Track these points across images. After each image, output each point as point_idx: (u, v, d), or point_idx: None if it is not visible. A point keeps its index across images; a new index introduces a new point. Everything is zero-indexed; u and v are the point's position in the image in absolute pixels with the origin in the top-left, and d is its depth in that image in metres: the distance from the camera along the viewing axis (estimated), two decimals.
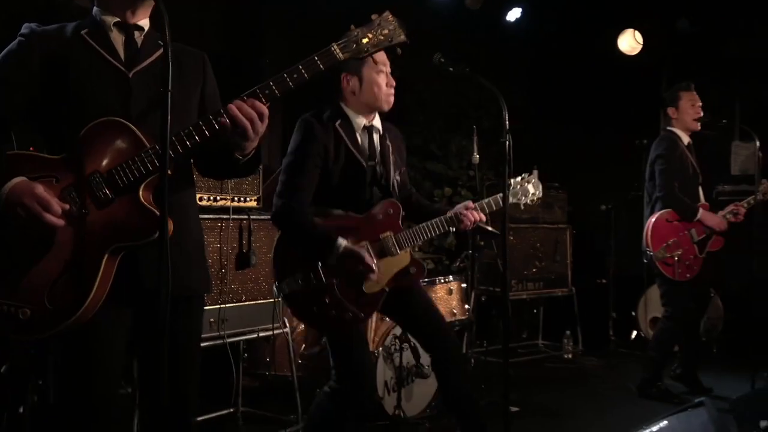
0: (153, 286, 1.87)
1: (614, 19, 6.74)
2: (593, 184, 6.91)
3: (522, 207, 3.21)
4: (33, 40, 2.00)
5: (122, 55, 2.06)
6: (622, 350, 6.35)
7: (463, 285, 4.81)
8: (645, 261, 4.70)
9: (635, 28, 6.74)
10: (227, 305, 3.65)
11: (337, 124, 2.89)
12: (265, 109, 1.94)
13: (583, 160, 7.11)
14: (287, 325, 3.97)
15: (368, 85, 2.93)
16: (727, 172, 6.83)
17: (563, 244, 6.42)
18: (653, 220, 4.66)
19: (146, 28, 2.11)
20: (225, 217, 3.64)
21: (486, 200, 3.06)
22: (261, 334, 3.80)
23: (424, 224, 2.97)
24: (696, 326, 4.90)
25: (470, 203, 3.02)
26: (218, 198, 3.62)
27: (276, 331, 3.82)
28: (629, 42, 6.82)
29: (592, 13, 6.58)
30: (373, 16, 2.02)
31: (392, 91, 2.99)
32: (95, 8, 2.10)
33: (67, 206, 1.89)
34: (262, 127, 1.95)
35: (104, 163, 1.94)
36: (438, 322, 3.07)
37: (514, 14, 6.78)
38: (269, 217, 3.94)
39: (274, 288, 2.87)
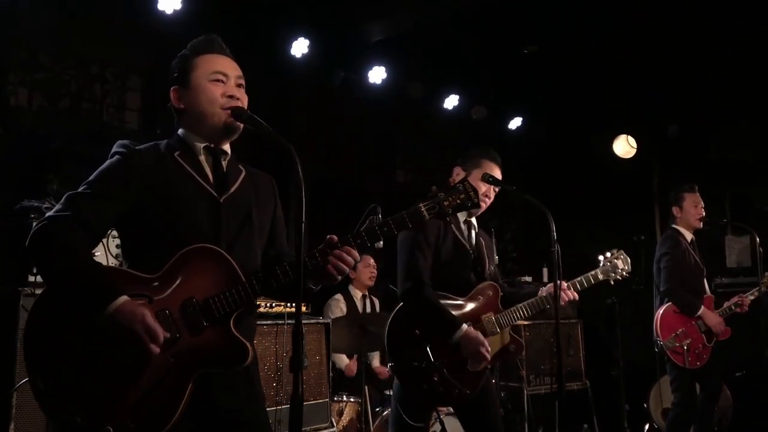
0: (229, 405, 2.07)
1: (609, 126, 7.26)
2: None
3: (612, 283, 3.47)
4: (131, 159, 2.10)
5: (211, 179, 2.17)
6: None
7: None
8: (656, 350, 4.89)
9: (629, 134, 7.25)
10: (283, 406, 3.81)
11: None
12: (357, 255, 2.14)
13: (585, 256, 7.44)
14: (334, 425, 4.13)
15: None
16: (723, 265, 7.18)
17: (575, 339, 6.64)
18: (661, 311, 4.87)
19: (229, 152, 2.26)
20: (281, 322, 3.86)
21: (579, 279, 3.36)
22: None
23: (521, 304, 3.25)
24: (710, 415, 4.99)
25: (564, 283, 3.28)
26: (273, 305, 3.85)
27: (327, 431, 3.96)
28: (623, 146, 7.33)
29: (587, 121, 7.11)
30: (451, 180, 2.33)
31: (486, 201, 3.32)
32: (181, 130, 2.23)
33: (168, 334, 1.95)
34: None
35: (201, 290, 2.01)
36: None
37: (515, 123, 7.31)
38: (318, 321, 4.21)
39: (388, 367, 3.11)
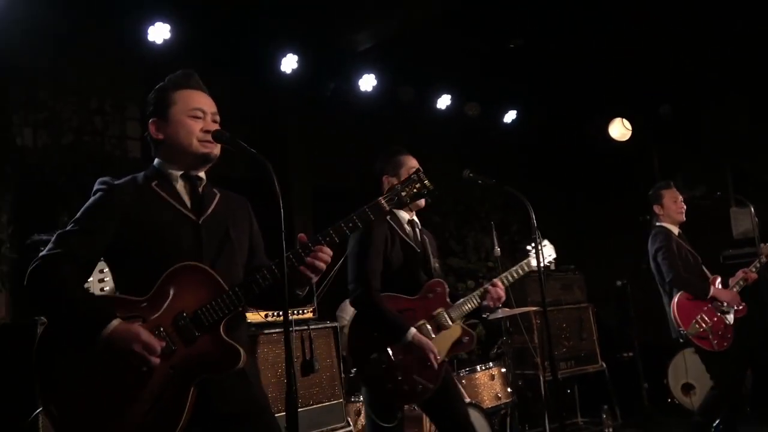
0: (229, 410, 2.21)
1: (602, 110, 7.34)
2: (605, 262, 7.31)
3: (542, 269, 3.60)
4: (112, 194, 2.26)
5: (189, 204, 2.33)
6: (659, 418, 6.52)
7: (503, 370, 5.13)
8: (681, 341, 4.90)
9: (622, 117, 7.33)
10: (299, 410, 3.95)
11: (389, 218, 3.39)
12: (329, 251, 2.30)
13: (591, 240, 7.56)
14: (351, 424, 4.27)
15: None
16: (730, 237, 7.22)
17: (587, 322, 6.73)
18: (675, 301, 4.87)
19: (205, 179, 2.42)
20: (290, 329, 4.00)
21: (504, 274, 3.55)
22: None
23: (467, 297, 3.41)
24: (739, 386, 5.03)
25: (496, 280, 3.47)
26: (281, 314, 4.00)
27: (343, 430, 4.10)
28: (619, 129, 7.40)
29: (581, 107, 7.20)
30: (404, 173, 2.46)
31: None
32: (157, 160, 2.39)
33: (164, 344, 2.10)
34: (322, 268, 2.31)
35: (190, 304, 2.17)
36: (469, 424, 3.36)
37: (509, 116, 7.42)
38: (326, 325, 4.34)
39: (353, 374, 3.22)
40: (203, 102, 2.39)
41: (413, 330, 3.18)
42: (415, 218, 3.52)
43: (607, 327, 7.07)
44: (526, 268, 3.61)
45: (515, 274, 3.58)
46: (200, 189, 2.39)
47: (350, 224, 2.34)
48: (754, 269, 4.96)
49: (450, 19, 5.73)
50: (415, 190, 2.45)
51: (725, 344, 4.75)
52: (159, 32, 4.97)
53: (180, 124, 2.34)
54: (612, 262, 7.30)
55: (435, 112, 6.83)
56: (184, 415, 2.08)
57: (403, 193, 2.44)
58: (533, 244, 3.66)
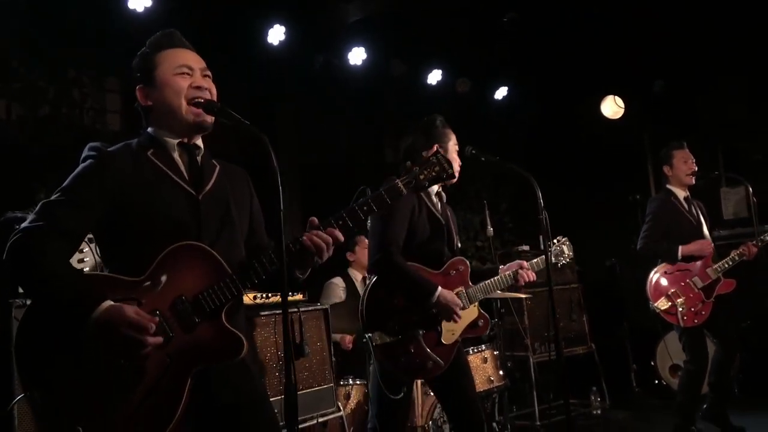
0: (229, 401, 2.06)
1: (595, 87, 7.22)
2: (595, 242, 7.22)
3: (558, 266, 3.62)
4: (105, 162, 2.05)
5: (187, 176, 2.15)
6: (648, 400, 6.49)
7: (495, 353, 5.02)
8: (653, 313, 4.86)
9: (616, 94, 7.20)
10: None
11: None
12: (340, 235, 2.13)
13: (582, 219, 7.44)
14: (341, 409, 4.14)
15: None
16: (720, 218, 7.17)
17: (577, 303, 6.65)
18: (651, 275, 4.87)
19: (203, 147, 2.23)
20: (279, 312, 3.85)
21: (534, 260, 3.46)
22: (320, 420, 3.96)
23: (489, 280, 3.31)
24: (727, 369, 4.91)
25: (524, 263, 3.40)
26: (270, 295, 3.84)
27: (334, 415, 3.97)
28: (611, 107, 7.29)
29: (573, 84, 7.06)
30: (424, 154, 2.34)
31: (458, 169, 3.28)
32: (151, 128, 2.19)
33: (156, 320, 1.92)
34: (330, 252, 2.15)
35: (189, 288, 2.00)
36: (477, 410, 3.26)
37: (500, 93, 7.26)
38: (317, 307, 4.20)
39: (366, 338, 3.12)
40: (189, 58, 2.20)
41: (441, 288, 3.09)
42: (443, 193, 3.41)
43: (598, 308, 6.99)
44: (552, 260, 3.47)
45: (540, 264, 3.45)
46: (199, 160, 2.21)
47: (365, 208, 2.18)
48: (758, 243, 4.80)
49: None
50: (434, 174, 2.29)
51: (696, 321, 4.67)
52: (140, 0, 4.73)
53: (166, 84, 2.15)
54: (603, 242, 7.22)
55: (426, 88, 6.66)
56: (180, 407, 1.93)
57: (421, 176, 2.28)
58: (556, 241, 3.63)
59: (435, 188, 3.32)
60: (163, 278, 1.99)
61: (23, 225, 1.99)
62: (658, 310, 4.75)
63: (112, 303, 1.89)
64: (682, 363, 4.94)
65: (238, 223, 2.22)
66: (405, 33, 6.09)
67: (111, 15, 4.73)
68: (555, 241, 3.57)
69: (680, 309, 4.67)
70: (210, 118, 2.16)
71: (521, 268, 3.35)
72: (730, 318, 4.85)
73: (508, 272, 3.34)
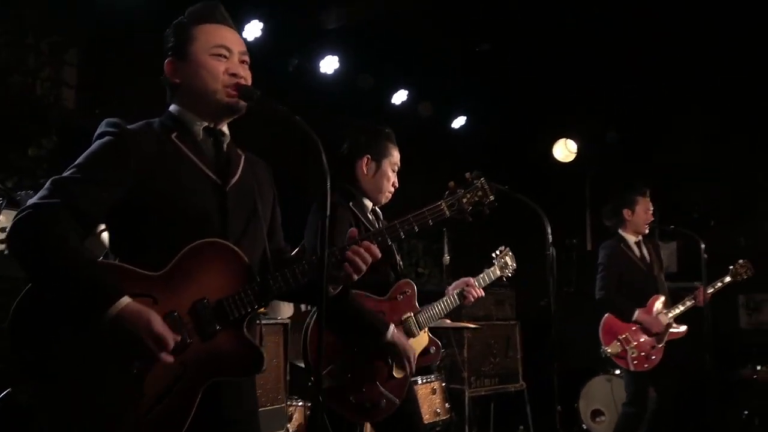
0: (232, 416, 1.90)
1: (552, 129, 7.33)
2: (535, 281, 7.28)
3: (505, 279, 3.57)
4: (125, 141, 1.85)
5: (214, 165, 1.97)
6: None
7: (443, 384, 4.92)
8: (603, 357, 4.89)
9: (572, 138, 7.34)
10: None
11: (351, 204, 2.98)
12: (377, 252, 1.99)
13: (522, 258, 7.51)
14: (289, 430, 3.91)
15: (380, 176, 3.07)
16: None
17: (514, 340, 6.67)
18: (604, 318, 4.87)
19: (228, 134, 2.06)
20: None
21: (481, 275, 3.34)
22: None
23: (436, 302, 3.12)
24: (664, 417, 4.88)
25: (470, 279, 3.25)
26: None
27: None
28: (563, 151, 7.42)
29: (531, 123, 7.15)
30: (467, 175, 2.25)
31: (392, 190, 3.13)
32: (174, 107, 2.02)
33: (179, 338, 1.74)
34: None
35: (213, 290, 1.82)
36: None
37: (458, 122, 7.27)
38: (276, 321, 3.97)
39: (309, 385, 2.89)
40: (229, 38, 2.00)
41: (393, 327, 2.80)
42: (378, 210, 3.15)
43: (534, 346, 7.03)
44: (498, 273, 3.47)
45: (487, 278, 3.38)
46: (225, 147, 2.02)
47: (406, 226, 2.07)
48: (711, 289, 4.84)
49: (425, 11, 5.49)
50: (476, 199, 2.21)
51: (646, 365, 4.70)
52: None
53: (200, 65, 1.95)
54: (541, 280, 7.27)
55: (390, 107, 6.57)
56: (188, 420, 1.75)
57: (464, 200, 2.18)
58: (498, 252, 3.60)
59: (369, 205, 3.08)
60: (185, 277, 1.80)
61: (32, 200, 1.73)
62: (608, 354, 4.76)
63: (130, 300, 1.70)
64: (621, 405, 4.98)
65: (263, 222, 2.03)
66: (378, 49, 5.98)
67: None
68: (498, 252, 3.52)
69: (631, 354, 4.69)
70: (243, 102, 1.97)
71: (467, 285, 3.19)
72: (675, 368, 4.87)
73: (454, 291, 3.17)
